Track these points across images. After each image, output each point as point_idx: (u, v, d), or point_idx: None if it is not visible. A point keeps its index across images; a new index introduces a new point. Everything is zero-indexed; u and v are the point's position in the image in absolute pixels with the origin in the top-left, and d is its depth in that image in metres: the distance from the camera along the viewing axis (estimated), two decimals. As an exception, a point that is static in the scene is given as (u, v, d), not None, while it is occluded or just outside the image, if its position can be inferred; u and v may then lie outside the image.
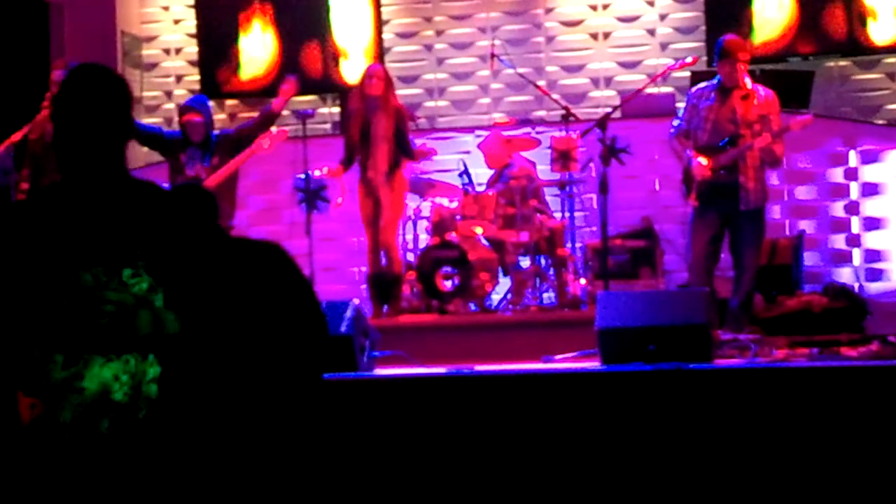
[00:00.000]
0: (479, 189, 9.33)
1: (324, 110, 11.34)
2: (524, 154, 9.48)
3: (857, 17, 10.42)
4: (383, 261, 8.75)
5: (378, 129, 8.55)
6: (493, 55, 9.70)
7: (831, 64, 10.71)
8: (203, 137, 8.33)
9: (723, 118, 7.81)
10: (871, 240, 9.76)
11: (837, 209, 9.83)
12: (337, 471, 6.07)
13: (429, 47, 11.47)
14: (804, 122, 7.85)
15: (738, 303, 7.79)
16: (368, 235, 8.76)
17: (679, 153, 8.01)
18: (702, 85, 8.07)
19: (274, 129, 8.51)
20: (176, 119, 11.83)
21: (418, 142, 9.04)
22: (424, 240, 9.18)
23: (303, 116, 9.11)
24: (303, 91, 11.38)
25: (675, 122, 8.11)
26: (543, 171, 9.32)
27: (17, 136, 8.14)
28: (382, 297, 8.66)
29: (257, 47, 11.54)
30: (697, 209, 7.87)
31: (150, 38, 11.99)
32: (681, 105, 8.61)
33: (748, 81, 7.89)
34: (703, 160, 7.77)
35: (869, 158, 9.80)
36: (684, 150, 7.92)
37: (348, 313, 6.82)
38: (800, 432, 5.72)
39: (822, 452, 5.68)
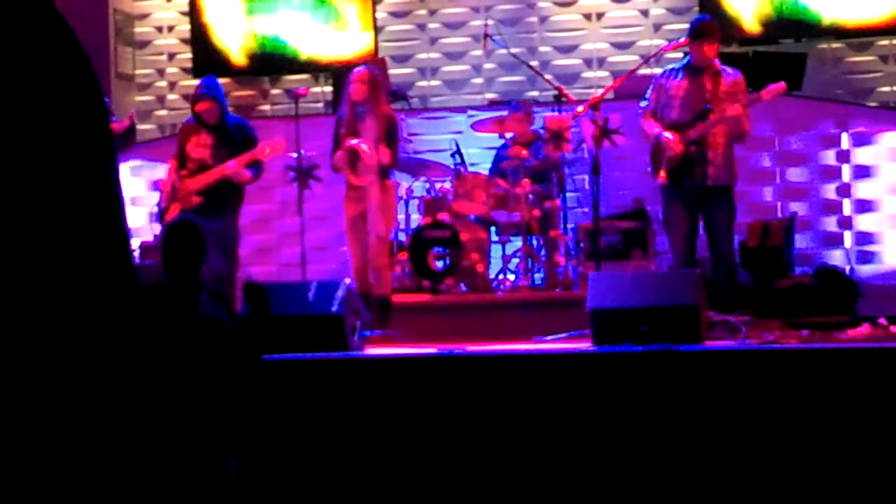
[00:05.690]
0: (471, 169, 9.31)
1: (316, 89, 11.30)
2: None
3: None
4: (371, 277, 8.15)
5: (367, 136, 8.08)
6: (486, 35, 9.66)
7: (824, 46, 10.69)
8: (218, 121, 8.14)
9: (692, 94, 7.85)
10: (863, 222, 9.76)
11: (829, 191, 9.82)
12: (327, 451, 6.07)
13: (422, 26, 11.44)
14: (776, 90, 7.81)
15: (720, 282, 7.75)
16: (353, 251, 8.20)
17: (647, 132, 8.02)
18: (668, 66, 8.12)
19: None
20: (168, 97, 11.85)
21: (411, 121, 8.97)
22: (416, 220, 9.17)
23: (295, 96, 9.08)
24: (295, 70, 11.40)
25: (643, 104, 8.12)
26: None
27: None
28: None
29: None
30: (667, 188, 7.88)
31: (143, 16, 11.94)
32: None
33: (717, 62, 7.94)
34: (671, 136, 7.78)
35: (861, 141, 9.79)
36: (652, 129, 7.94)
37: (339, 293, 6.83)
38: (790, 414, 5.74)
39: (812, 434, 5.70)
